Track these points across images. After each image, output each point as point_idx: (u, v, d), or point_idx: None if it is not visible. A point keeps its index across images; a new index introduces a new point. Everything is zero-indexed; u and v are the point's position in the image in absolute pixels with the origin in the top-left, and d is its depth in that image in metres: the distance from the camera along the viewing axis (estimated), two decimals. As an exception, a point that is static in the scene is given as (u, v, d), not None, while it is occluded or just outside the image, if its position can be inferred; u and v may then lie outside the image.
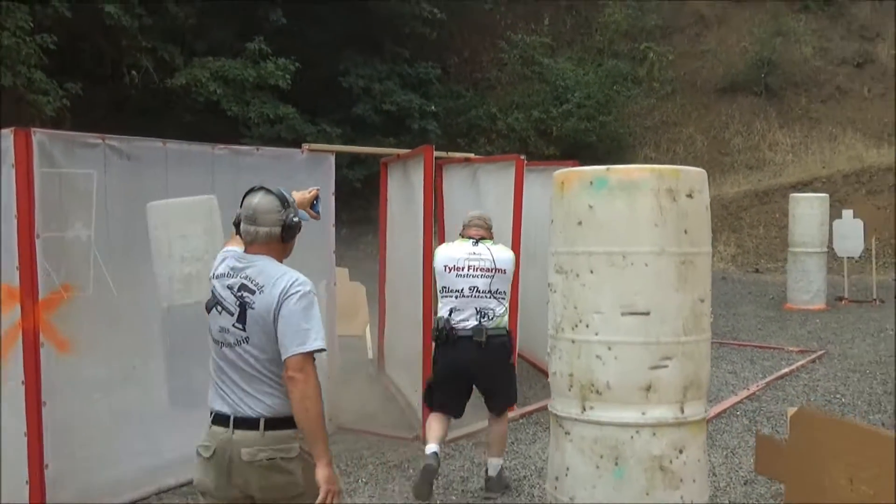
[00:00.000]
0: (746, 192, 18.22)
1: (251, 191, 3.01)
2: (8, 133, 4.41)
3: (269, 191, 2.98)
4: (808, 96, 21.30)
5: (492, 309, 4.79)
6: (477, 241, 4.92)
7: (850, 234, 12.36)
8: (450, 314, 4.80)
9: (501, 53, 22.68)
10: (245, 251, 3.01)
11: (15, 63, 13.86)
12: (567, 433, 3.22)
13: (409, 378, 6.48)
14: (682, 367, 3.12)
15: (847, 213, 12.56)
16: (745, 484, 5.09)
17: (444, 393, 4.94)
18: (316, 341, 2.83)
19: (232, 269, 2.98)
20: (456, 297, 4.80)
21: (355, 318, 8.97)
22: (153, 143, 5.19)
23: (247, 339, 2.89)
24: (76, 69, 17.28)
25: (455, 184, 8.04)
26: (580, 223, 3.19)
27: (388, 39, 20.57)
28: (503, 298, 4.85)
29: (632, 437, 3.07)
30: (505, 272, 4.85)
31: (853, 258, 12.80)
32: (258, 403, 2.88)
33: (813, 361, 8.60)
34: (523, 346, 7.39)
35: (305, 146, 6.18)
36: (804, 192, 14.86)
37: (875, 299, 12.12)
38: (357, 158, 16.91)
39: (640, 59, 22.13)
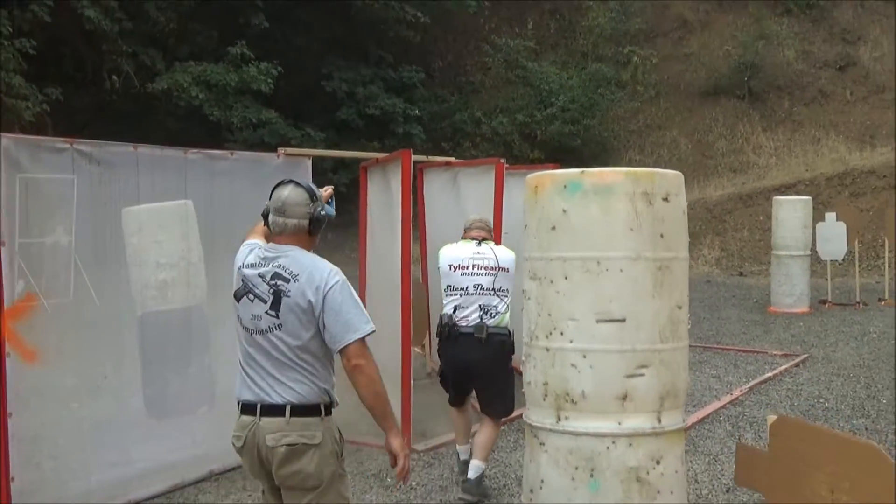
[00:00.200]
0: (730, 195, 18.23)
1: (281, 183, 3.12)
2: (-29, 138, 4.31)
3: (298, 184, 3.10)
4: (791, 99, 21.37)
5: (494, 306, 4.97)
6: (480, 242, 5.15)
7: (833, 236, 12.36)
8: (454, 311, 4.99)
9: (486, 57, 22.67)
10: (273, 241, 3.11)
11: (-7, 67, 13.71)
12: (542, 444, 3.13)
13: (389, 385, 6.37)
14: (659, 376, 3.04)
15: (830, 216, 12.55)
16: (727, 492, 5.03)
17: (453, 387, 5.19)
18: (367, 325, 2.98)
19: (263, 258, 3.07)
20: (461, 295, 4.99)
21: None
22: (124, 147, 5.09)
23: (279, 326, 2.97)
24: (56, 74, 17.13)
25: (435, 188, 7.95)
26: (554, 228, 3.11)
27: (371, 43, 20.52)
28: (505, 296, 5.03)
29: (608, 447, 2.99)
30: (508, 270, 5.05)
31: (836, 261, 12.80)
32: (287, 390, 2.96)
33: (797, 365, 8.56)
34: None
35: (281, 150, 6.09)
36: (788, 194, 14.87)
37: (858, 302, 12.12)
38: (342, 162, 16.82)
39: (623, 62, 22.16)
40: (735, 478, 3.92)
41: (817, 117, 20.67)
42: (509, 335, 4.99)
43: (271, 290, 2.99)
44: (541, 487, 3.13)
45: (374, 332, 3.00)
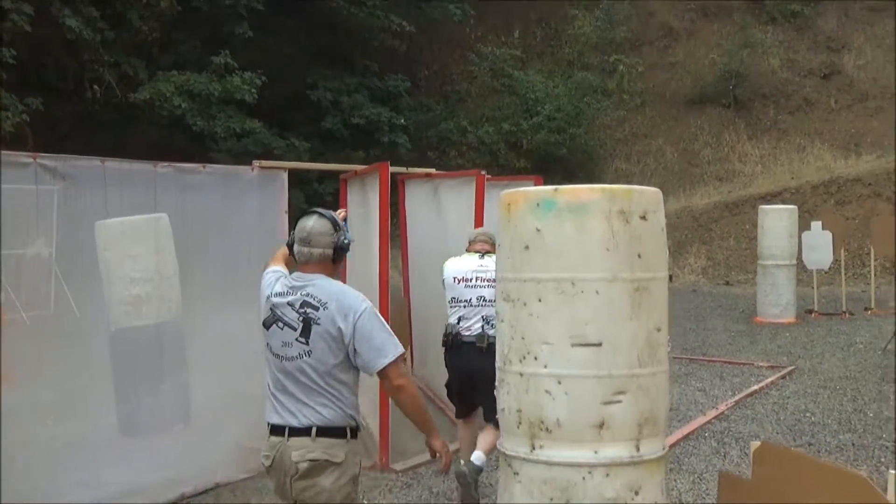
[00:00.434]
0: (717, 203, 18.17)
1: (305, 214, 3.25)
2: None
3: (322, 214, 3.22)
4: (777, 108, 21.38)
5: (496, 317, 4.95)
6: (483, 255, 5.24)
7: (819, 245, 12.28)
8: (458, 321, 5.15)
9: (471, 66, 22.59)
10: (300, 270, 3.22)
11: (-30, 77, 13.51)
12: (516, 473, 3.00)
13: (367, 402, 6.24)
14: (637, 402, 2.91)
15: (816, 225, 12.48)
16: (712, 512, 4.92)
17: (459, 398, 5.31)
18: (398, 347, 3.14)
19: (291, 287, 3.19)
20: (464, 307, 5.15)
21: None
22: (90, 161, 4.98)
23: (309, 353, 3.10)
24: (37, 84, 16.91)
25: (417, 199, 7.84)
26: (527, 247, 2.99)
27: (357, 52, 20.38)
28: None
29: (584, 478, 2.86)
30: None
31: (823, 270, 12.73)
32: (314, 414, 3.08)
33: (783, 377, 8.47)
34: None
35: (256, 163, 5.95)
36: (774, 202, 14.82)
37: (845, 311, 12.05)
38: (328, 173, 16.64)
39: (609, 71, 22.12)
40: (718, 505, 3.80)
41: (802, 125, 20.68)
42: None
43: (301, 318, 3.11)
44: (515, 519, 2.99)
45: (403, 353, 3.16)
